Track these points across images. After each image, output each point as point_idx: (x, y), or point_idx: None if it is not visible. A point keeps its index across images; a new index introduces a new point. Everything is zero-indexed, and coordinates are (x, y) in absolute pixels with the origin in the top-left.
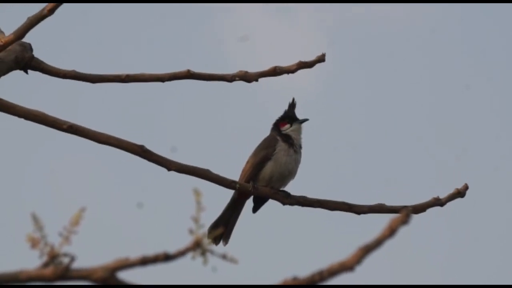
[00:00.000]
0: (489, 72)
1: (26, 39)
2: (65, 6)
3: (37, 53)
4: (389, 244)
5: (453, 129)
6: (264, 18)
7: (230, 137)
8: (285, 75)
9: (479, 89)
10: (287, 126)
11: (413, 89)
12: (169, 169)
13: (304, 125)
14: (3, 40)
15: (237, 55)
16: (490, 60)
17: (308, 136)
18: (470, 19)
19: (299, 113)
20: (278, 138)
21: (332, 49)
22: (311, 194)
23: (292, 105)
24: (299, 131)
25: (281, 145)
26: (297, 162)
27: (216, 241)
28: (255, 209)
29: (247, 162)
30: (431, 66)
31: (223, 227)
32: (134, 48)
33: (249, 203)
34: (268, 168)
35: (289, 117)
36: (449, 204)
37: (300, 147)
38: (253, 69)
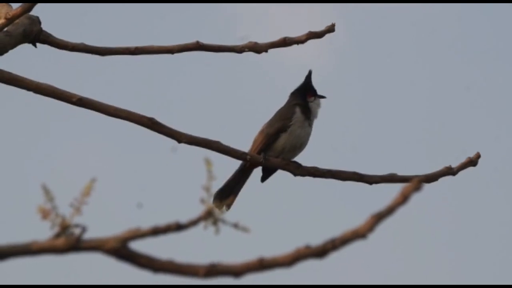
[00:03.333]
0: (489, 72)
1: (34, 12)
2: None
3: (46, 26)
4: (401, 213)
5: (452, 130)
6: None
7: (240, 108)
8: (295, 46)
9: (479, 90)
10: (312, 98)
11: (412, 89)
12: (179, 141)
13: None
14: (11, 14)
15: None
16: (490, 60)
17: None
18: (470, 19)
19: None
20: (297, 108)
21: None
22: (322, 165)
23: (310, 76)
24: (319, 106)
25: (298, 117)
26: (309, 135)
27: (220, 206)
28: (263, 179)
29: (261, 132)
30: (430, 66)
31: (229, 194)
32: (144, 22)
33: (258, 171)
34: (282, 139)
35: (312, 89)
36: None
37: (313, 122)
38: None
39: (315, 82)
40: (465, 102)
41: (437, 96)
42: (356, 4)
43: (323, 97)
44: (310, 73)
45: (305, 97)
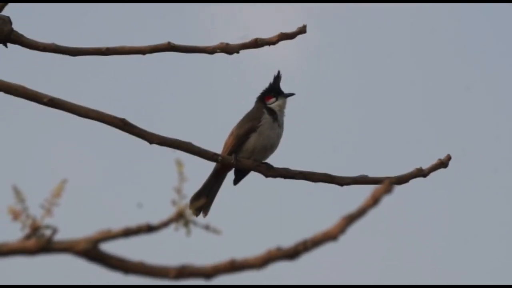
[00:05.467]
0: (489, 72)
1: (5, 12)
2: None
3: (17, 26)
4: (371, 215)
5: (452, 130)
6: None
7: (212, 109)
8: (266, 47)
9: (479, 90)
10: (273, 99)
11: (410, 89)
12: (151, 142)
13: (289, 99)
14: None
15: (220, 36)
16: (490, 60)
17: (292, 109)
18: (470, 19)
19: (284, 88)
20: (264, 110)
21: (326, 44)
22: (294, 166)
23: (277, 78)
24: (284, 105)
25: (266, 118)
26: (279, 136)
27: (196, 212)
28: (236, 181)
29: (231, 134)
30: (430, 66)
31: (204, 199)
32: (116, 22)
33: (231, 174)
34: (252, 140)
35: (275, 90)
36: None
37: (283, 122)
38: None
39: (289, 80)
40: (465, 102)
41: (437, 96)
42: (357, 4)
43: (290, 94)
44: (275, 75)
45: (263, 101)
